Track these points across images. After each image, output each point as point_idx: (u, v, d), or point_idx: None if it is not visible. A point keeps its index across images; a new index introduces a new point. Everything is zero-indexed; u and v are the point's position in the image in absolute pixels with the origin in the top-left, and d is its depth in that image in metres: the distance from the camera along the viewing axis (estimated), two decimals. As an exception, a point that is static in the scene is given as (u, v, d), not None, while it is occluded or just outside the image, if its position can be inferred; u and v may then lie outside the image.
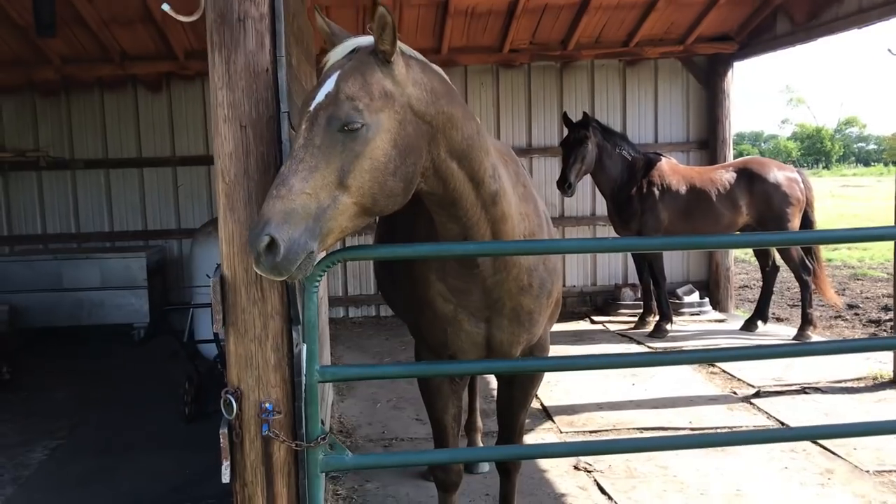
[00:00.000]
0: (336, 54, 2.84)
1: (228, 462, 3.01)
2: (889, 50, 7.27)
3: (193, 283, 8.14)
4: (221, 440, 2.99)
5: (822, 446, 5.72)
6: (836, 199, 36.12)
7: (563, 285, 11.24)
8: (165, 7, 3.01)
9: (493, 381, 6.85)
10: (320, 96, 2.70)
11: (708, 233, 9.18)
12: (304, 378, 2.95)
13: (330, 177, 2.61)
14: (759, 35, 10.30)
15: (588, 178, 9.54)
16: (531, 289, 3.47)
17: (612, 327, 10.23)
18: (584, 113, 9.42)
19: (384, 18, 2.67)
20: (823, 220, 24.58)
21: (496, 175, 3.14)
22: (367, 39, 2.86)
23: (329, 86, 2.71)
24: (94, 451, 6.19)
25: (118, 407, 7.32)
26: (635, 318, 10.18)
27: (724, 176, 9.33)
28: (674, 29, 10.35)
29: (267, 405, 2.98)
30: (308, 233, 2.55)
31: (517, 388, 3.94)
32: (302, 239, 2.53)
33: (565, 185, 9.13)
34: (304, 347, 2.95)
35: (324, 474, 3.07)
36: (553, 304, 3.73)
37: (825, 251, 17.11)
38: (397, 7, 9.26)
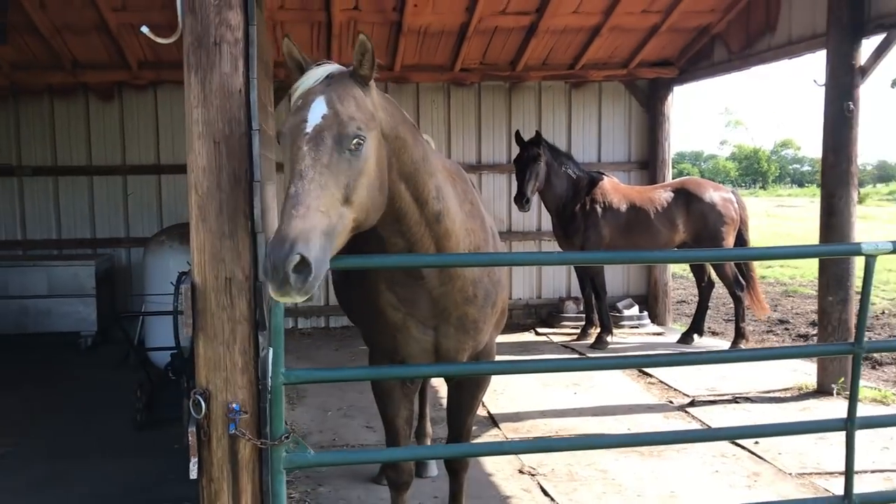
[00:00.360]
0: (310, 79, 3.02)
1: (196, 459, 3.18)
2: (815, 81, 7.75)
3: (145, 292, 8.19)
4: (190, 438, 3.17)
5: (750, 451, 6.09)
6: (772, 218, 37.36)
7: (510, 298, 11.51)
8: (144, 29, 3.19)
9: (441, 390, 7.07)
10: (315, 118, 2.86)
11: (647, 249, 9.58)
12: (269, 380, 3.14)
13: (338, 194, 2.79)
14: (697, 62, 10.80)
15: (536, 194, 9.87)
16: (476, 299, 3.71)
17: (556, 339, 10.55)
18: (537, 131, 9.79)
19: (365, 45, 2.94)
20: (759, 238, 25.46)
21: (440, 196, 3.39)
22: (335, 66, 3.08)
23: (321, 107, 2.88)
24: (46, 457, 6.22)
25: (68, 414, 7.32)
26: (578, 331, 10.53)
27: (663, 195, 9.76)
28: (617, 53, 10.78)
29: (234, 405, 3.17)
30: (323, 251, 2.70)
31: (465, 393, 4.18)
32: (323, 256, 2.68)
33: (523, 201, 9.47)
34: (271, 351, 3.15)
35: (285, 471, 3.26)
36: (498, 314, 3.99)
37: (760, 267, 17.87)
38: (351, 24, 9.49)
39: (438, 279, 3.56)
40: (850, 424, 3.57)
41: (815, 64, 7.68)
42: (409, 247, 3.40)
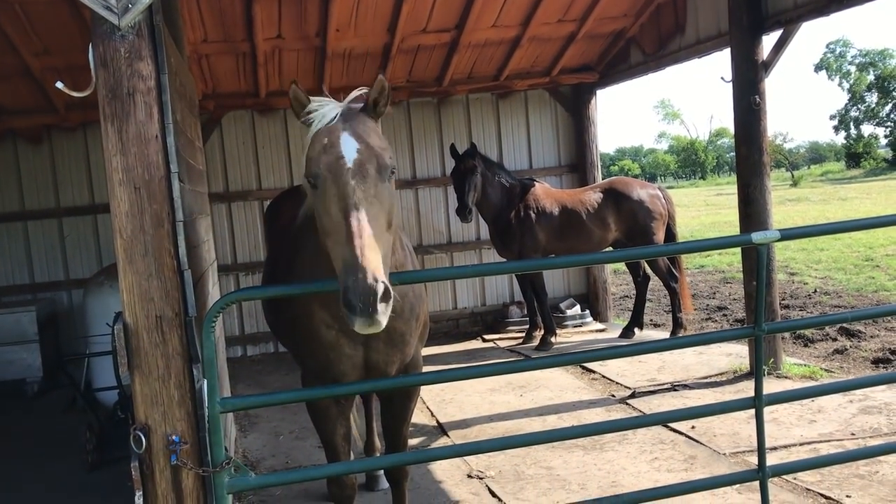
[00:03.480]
0: (325, 117, 3.28)
1: (141, 492, 3.31)
2: (722, 78, 8.14)
3: (88, 333, 8.18)
4: (133, 473, 3.30)
5: (686, 436, 6.39)
6: (710, 207, 38.32)
7: (455, 307, 11.81)
8: (59, 85, 3.31)
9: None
10: (351, 152, 3.11)
11: (582, 249, 9.89)
12: (206, 410, 3.29)
13: (384, 222, 3.04)
14: (616, 65, 11.19)
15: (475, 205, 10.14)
16: (402, 313, 3.90)
17: (503, 344, 10.79)
18: (473, 143, 10.09)
19: (383, 83, 3.27)
20: (698, 227, 26.23)
21: None
22: (339, 104, 3.35)
23: (353, 141, 3.15)
24: (-2, 506, 6.23)
25: (18, 461, 7.28)
26: (523, 335, 10.78)
27: (593, 196, 10.10)
28: (539, 62, 11.10)
29: (174, 437, 3.30)
30: (386, 276, 2.92)
31: (397, 405, 4.36)
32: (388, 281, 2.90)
33: (465, 212, 9.73)
34: (205, 382, 3.29)
35: (231, 496, 3.40)
36: (421, 326, 4.19)
37: (699, 257, 18.41)
38: (276, 52, 9.63)
39: None
40: (758, 402, 3.83)
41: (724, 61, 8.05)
42: None
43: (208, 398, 3.25)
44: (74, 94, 3.28)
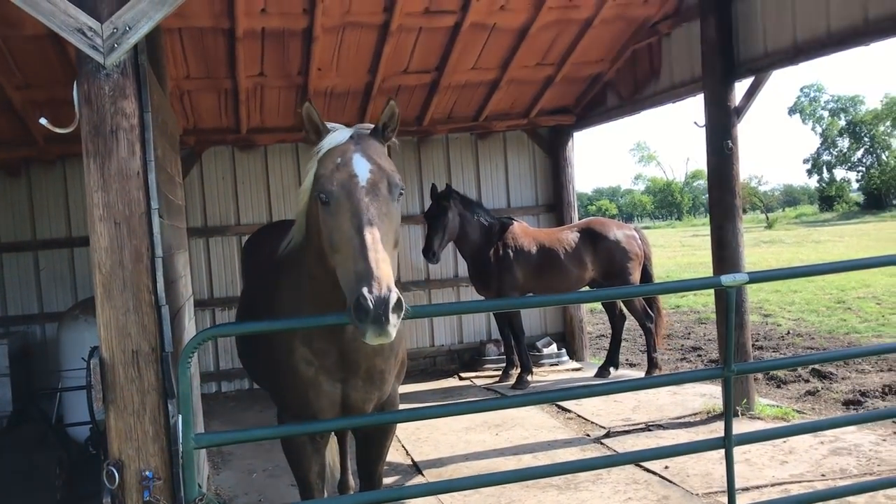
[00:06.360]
0: (336, 139, 3.42)
1: (113, 528, 3.29)
2: (695, 123, 8.34)
3: (61, 367, 8.10)
4: (105, 509, 3.28)
5: (660, 476, 6.41)
6: (686, 247, 38.73)
7: (432, 345, 11.83)
8: (43, 121, 3.36)
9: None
10: (364, 172, 3.21)
11: (559, 288, 9.97)
12: (180, 445, 3.29)
13: (391, 240, 3.11)
14: (593, 108, 11.39)
15: (451, 243, 10.20)
16: (383, 350, 3.93)
17: (479, 382, 10.80)
18: (447, 185, 10.17)
19: (393, 109, 3.44)
20: (674, 267, 26.49)
21: None
22: (349, 129, 3.49)
23: (366, 162, 3.25)
24: (-37, 544, 6.11)
25: (-15, 499, 7.18)
26: (500, 372, 10.80)
27: (570, 236, 10.21)
28: (518, 104, 11.28)
29: (147, 473, 3.30)
30: None
31: (373, 443, 4.38)
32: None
33: (430, 255, 9.77)
34: (180, 418, 3.29)
35: (203, 533, 3.38)
36: (399, 364, 4.23)
37: (675, 297, 18.55)
38: (258, 90, 9.72)
39: (354, 332, 3.75)
40: (727, 442, 3.88)
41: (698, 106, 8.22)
42: None
43: (183, 434, 3.26)
44: (58, 130, 3.33)
